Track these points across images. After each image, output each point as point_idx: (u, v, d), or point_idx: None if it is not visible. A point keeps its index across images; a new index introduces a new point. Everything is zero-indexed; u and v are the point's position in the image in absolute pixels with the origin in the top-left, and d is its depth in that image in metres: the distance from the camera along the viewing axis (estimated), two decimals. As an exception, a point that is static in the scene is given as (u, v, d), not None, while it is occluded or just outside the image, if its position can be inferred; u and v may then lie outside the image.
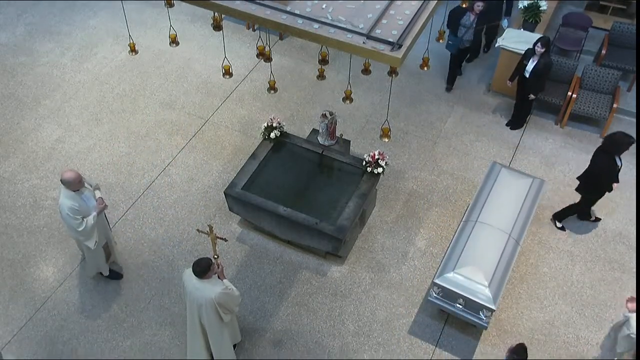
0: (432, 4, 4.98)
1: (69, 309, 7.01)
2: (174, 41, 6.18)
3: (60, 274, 7.29)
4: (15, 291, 7.14)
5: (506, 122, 8.91)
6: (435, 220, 7.83)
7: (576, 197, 7.59)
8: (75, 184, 6.19)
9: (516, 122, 8.82)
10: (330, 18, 4.88)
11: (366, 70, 7.10)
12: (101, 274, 7.09)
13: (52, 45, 10.02)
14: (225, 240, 6.27)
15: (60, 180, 6.21)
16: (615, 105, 8.52)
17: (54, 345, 6.72)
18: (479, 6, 8.10)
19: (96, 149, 8.59)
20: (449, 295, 6.47)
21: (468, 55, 9.39)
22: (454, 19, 8.46)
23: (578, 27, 9.35)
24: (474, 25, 8.36)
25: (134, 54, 6.41)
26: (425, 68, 6.32)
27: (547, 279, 7.27)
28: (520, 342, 5.74)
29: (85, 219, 6.32)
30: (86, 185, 6.41)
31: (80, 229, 6.32)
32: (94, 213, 6.39)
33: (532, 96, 8.18)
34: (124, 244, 7.52)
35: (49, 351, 6.67)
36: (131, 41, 6.40)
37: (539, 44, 7.83)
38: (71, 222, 6.28)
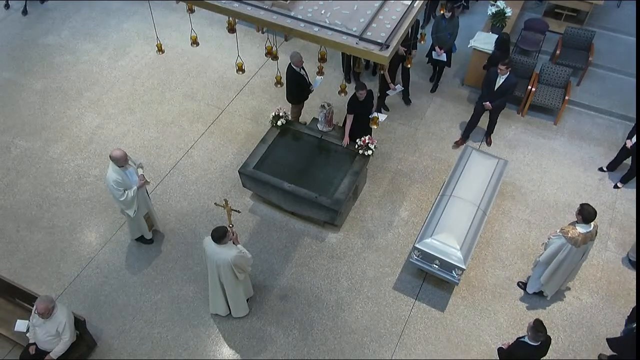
0: (416, 9, 4.85)
1: (109, 267, 6.98)
2: (194, 42, 6.04)
3: (102, 238, 7.25)
4: (65, 252, 7.11)
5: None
6: (416, 195, 7.76)
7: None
8: (121, 161, 6.13)
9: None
10: (328, 22, 4.77)
11: (358, 67, 7.04)
12: (143, 237, 7.06)
13: (91, 46, 9.83)
14: (239, 211, 6.21)
15: (110, 156, 6.13)
16: (567, 97, 8.40)
17: (98, 297, 6.72)
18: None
19: (130, 134, 8.47)
20: (427, 257, 6.44)
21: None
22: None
23: (537, 31, 9.18)
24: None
25: (160, 53, 6.27)
26: (409, 65, 6.20)
27: (508, 243, 7.25)
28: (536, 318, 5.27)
29: (126, 191, 6.27)
30: (130, 163, 6.32)
31: (121, 199, 6.29)
32: (135, 187, 6.32)
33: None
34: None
35: (93, 302, 6.67)
36: (158, 42, 6.25)
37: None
38: (114, 192, 6.27)
